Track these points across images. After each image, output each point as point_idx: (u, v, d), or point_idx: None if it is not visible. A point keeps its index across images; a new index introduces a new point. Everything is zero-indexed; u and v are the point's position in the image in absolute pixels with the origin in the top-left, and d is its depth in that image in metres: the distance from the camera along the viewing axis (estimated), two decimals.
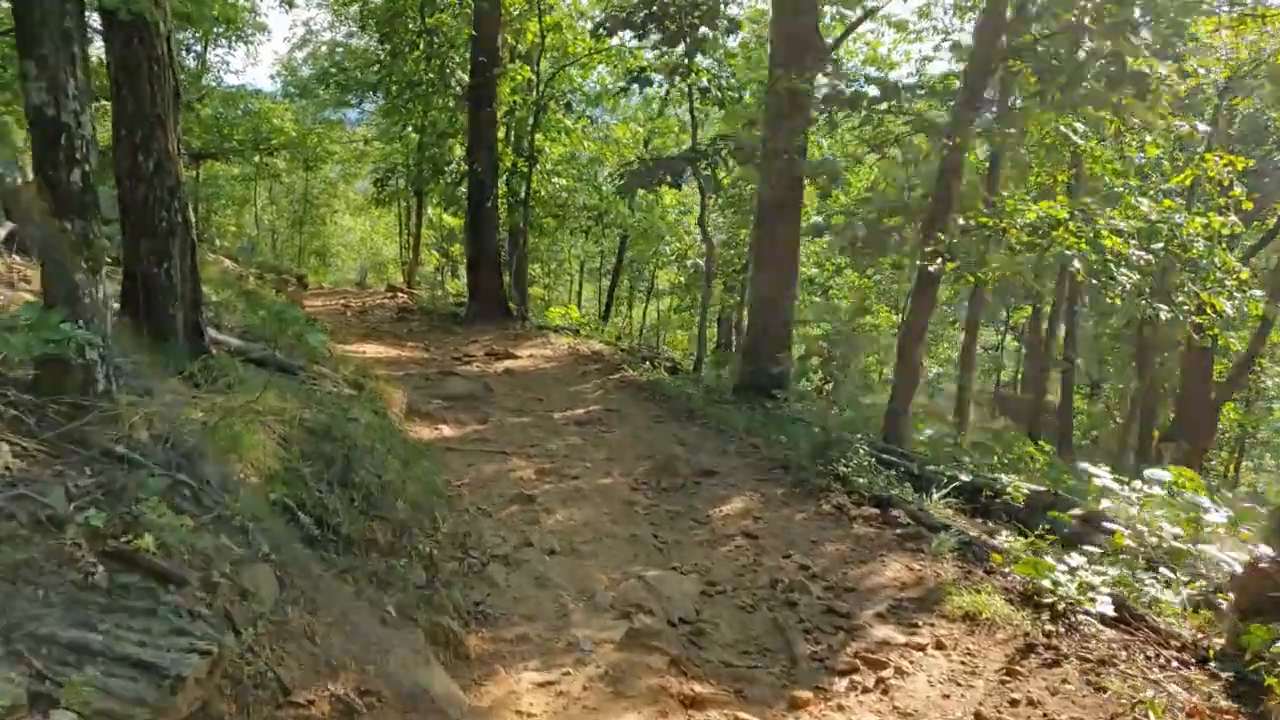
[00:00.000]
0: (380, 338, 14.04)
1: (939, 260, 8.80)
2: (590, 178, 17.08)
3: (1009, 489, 7.72)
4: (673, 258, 22.88)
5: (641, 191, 21.51)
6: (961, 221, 9.07)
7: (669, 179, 11.67)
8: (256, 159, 33.37)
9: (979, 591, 5.16)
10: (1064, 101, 9.07)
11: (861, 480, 7.05)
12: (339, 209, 44.47)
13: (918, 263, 8.87)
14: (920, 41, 17.37)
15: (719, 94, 12.34)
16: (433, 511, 5.98)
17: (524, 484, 7.14)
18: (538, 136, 15.82)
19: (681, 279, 27.78)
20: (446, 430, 8.61)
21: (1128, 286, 9.79)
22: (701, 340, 12.54)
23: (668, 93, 16.95)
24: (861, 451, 7.48)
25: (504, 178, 15.82)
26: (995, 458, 11.80)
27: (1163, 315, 10.33)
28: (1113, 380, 30.63)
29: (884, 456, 8.14)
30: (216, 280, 12.55)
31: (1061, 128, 10.46)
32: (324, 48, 35.25)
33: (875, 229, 9.32)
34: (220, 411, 5.19)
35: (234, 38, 27.16)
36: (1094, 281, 11.55)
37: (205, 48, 34.23)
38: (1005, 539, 6.75)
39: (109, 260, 8.25)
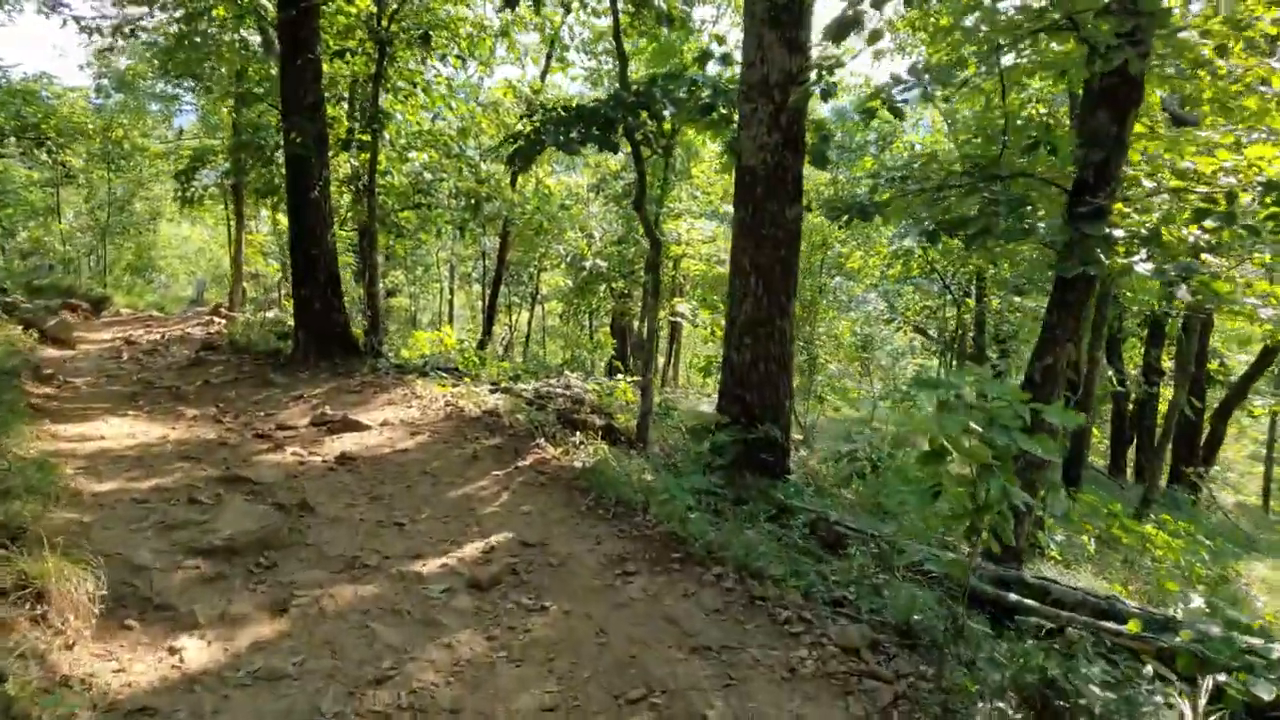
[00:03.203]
0: (149, 401, 9.14)
1: (1136, 255, 4.76)
2: (460, 154, 12.49)
3: None
4: (566, 257, 18.52)
5: (537, 178, 16.98)
6: (1148, 183, 5.04)
7: (595, 137, 7.31)
8: (42, 156, 27.82)
9: None
10: None
11: None
12: (169, 215, 38.60)
13: (1080, 264, 4.79)
14: None
15: (663, 4, 7.98)
16: None
17: None
18: (384, 97, 11.14)
19: (566, 282, 23.58)
20: (192, 649, 4.01)
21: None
22: (648, 388, 8.19)
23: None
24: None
25: (338, 156, 11.10)
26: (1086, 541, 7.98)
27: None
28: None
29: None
30: None
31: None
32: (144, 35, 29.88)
33: (984, 206, 5.21)
34: None
35: None
36: None
37: None
38: None
39: None
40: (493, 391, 9.32)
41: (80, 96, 29.00)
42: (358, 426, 8.01)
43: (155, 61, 18.25)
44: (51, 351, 12.52)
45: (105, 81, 36.10)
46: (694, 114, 7.83)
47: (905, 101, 5.57)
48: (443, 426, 8.06)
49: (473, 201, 12.20)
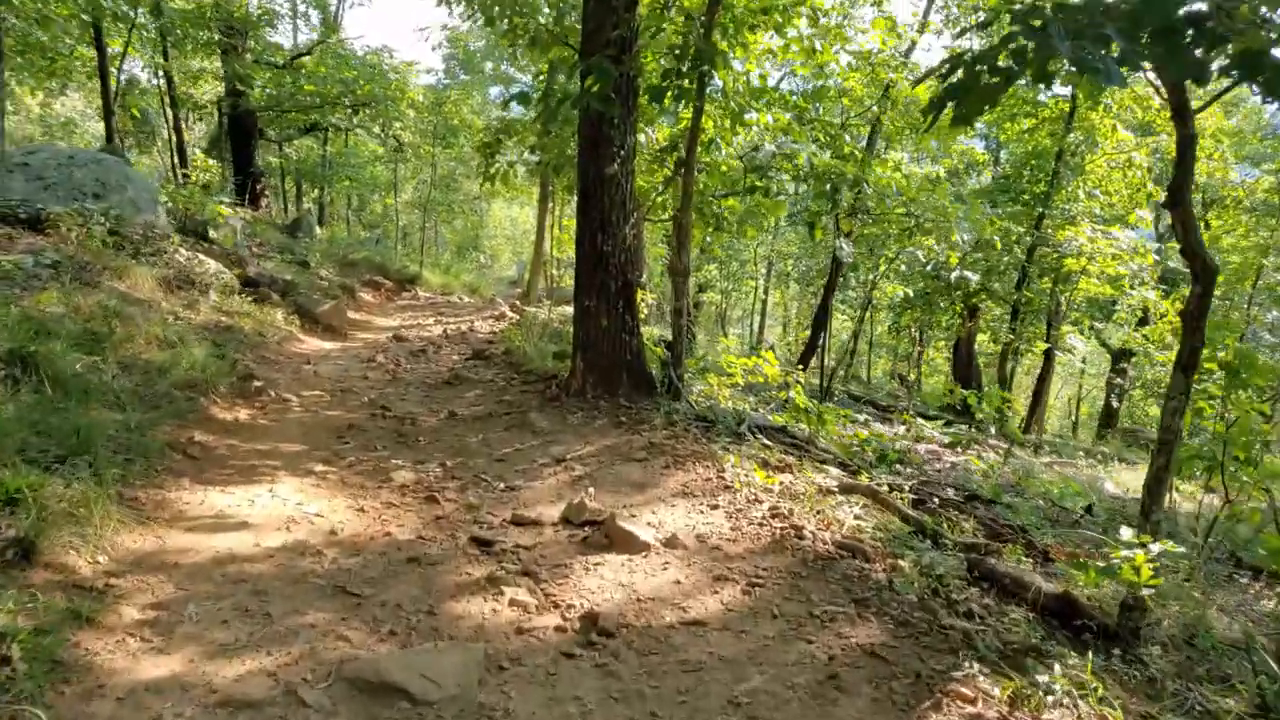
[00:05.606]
0: (361, 444, 6.61)
1: None
2: (817, 119, 8.99)
3: None
4: (927, 264, 14.59)
5: (894, 163, 13.09)
6: None
7: (1148, 54, 3.60)
8: (375, 129, 28.26)
9: None
10: None
11: None
12: (502, 195, 39.15)
13: None
14: None
15: None
16: None
17: None
18: (721, 39, 7.94)
19: (905, 290, 19.40)
20: None
21: None
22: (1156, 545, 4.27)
23: None
24: None
25: (649, 116, 8.10)
26: None
27: None
28: None
29: None
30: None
31: None
32: None
33: None
34: None
35: None
36: None
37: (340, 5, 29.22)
38: None
39: None
40: (844, 490, 5.80)
41: (416, 71, 29.00)
42: (629, 543, 4.84)
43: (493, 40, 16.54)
44: (311, 344, 10.74)
45: (454, 62, 36.79)
46: None
47: None
48: (768, 568, 4.66)
49: (828, 186, 8.69)
